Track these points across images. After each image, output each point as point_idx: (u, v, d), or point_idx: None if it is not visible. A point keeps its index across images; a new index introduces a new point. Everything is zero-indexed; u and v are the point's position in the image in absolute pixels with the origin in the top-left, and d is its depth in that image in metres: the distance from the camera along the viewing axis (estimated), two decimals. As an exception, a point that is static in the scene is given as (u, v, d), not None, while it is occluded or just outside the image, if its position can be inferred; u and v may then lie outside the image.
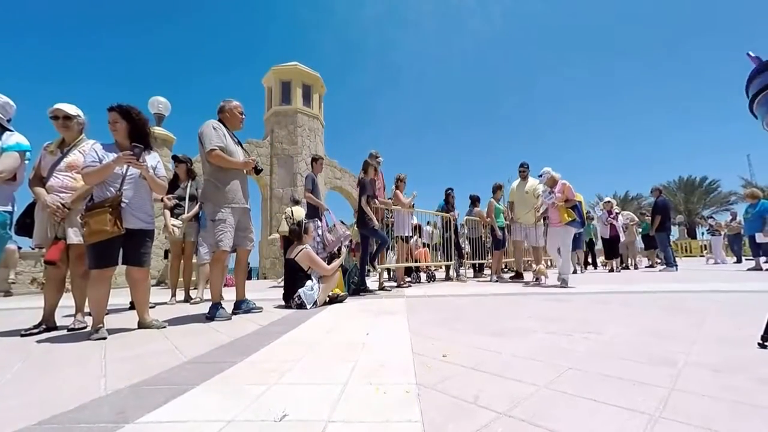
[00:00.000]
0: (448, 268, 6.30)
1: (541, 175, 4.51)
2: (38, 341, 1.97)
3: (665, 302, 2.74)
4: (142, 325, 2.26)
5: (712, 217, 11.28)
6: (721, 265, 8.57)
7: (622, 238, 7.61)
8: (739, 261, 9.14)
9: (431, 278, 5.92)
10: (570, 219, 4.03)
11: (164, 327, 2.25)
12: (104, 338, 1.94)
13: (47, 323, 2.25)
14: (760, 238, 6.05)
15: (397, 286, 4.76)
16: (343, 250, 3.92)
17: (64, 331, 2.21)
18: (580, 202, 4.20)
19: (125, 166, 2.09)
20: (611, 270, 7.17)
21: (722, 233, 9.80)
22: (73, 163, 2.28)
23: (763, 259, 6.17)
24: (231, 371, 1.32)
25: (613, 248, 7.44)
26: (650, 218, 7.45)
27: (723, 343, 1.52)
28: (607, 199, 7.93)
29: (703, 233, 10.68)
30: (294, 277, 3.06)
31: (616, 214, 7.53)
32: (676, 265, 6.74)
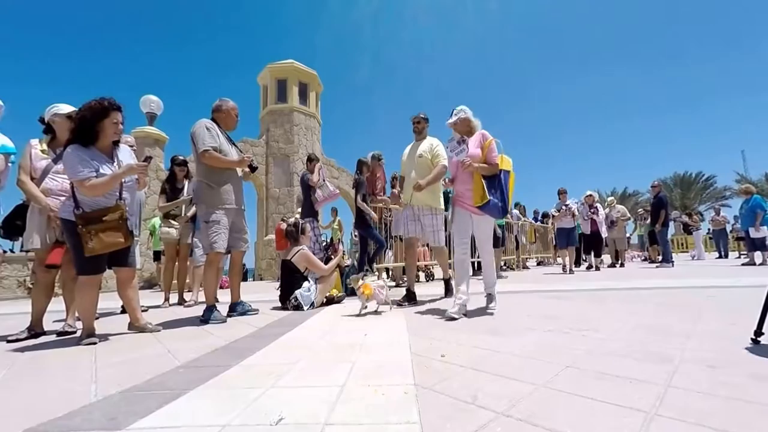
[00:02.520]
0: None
1: (453, 114, 2.48)
2: (25, 347, 1.92)
3: (661, 298, 2.76)
4: (134, 328, 2.22)
5: (689, 213, 11.29)
6: (702, 261, 8.59)
7: (604, 234, 7.14)
8: (726, 256, 9.25)
9: (430, 277, 5.92)
10: (483, 202, 2.24)
11: (158, 330, 2.21)
12: (95, 343, 1.90)
13: (35, 329, 2.20)
14: (753, 232, 6.15)
15: (396, 286, 4.75)
16: (340, 248, 3.91)
17: (53, 337, 2.16)
18: (507, 172, 2.36)
19: None
20: (597, 268, 6.75)
21: (699, 228, 9.97)
22: None
23: (757, 253, 6.25)
24: (226, 375, 1.30)
25: (592, 245, 6.94)
26: (651, 214, 7.36)
27: (717, 338, 1.53)
28: (588, 192, 7.06)
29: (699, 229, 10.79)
30: (291, 278, 3.04)
31: (596, 209, 6.97)
32: (672, 261, 6.81)
